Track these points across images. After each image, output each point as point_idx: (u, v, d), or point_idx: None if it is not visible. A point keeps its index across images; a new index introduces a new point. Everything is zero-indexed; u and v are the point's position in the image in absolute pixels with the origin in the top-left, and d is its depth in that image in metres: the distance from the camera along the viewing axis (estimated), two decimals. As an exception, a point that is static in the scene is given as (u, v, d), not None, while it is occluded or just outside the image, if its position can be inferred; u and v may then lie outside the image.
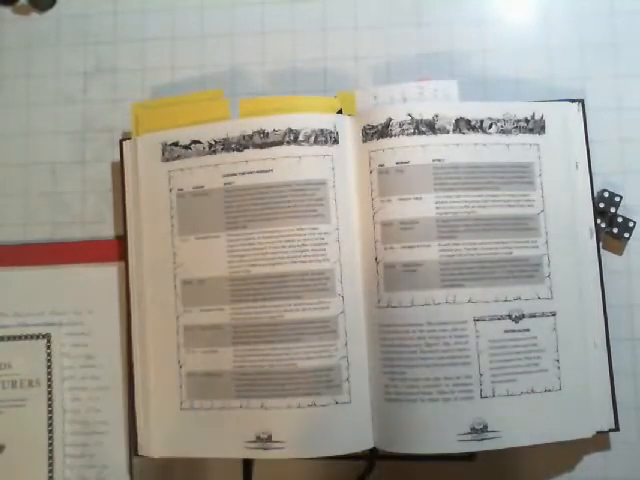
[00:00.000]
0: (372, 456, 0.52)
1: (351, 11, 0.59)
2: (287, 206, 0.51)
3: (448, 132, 0.51)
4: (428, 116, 0.51)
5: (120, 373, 0.56)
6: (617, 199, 0.54)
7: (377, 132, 0.51)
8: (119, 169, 0.56)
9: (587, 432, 0.50)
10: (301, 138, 0.52)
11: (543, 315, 0.50)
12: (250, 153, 0.52)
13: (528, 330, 0.50)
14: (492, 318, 0.50)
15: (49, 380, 0.55)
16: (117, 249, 0.57)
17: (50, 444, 0.54)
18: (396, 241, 0.50)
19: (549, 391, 0.49)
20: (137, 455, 0.53)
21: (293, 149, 0.52)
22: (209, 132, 0.53)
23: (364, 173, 0.52)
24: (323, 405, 0.50)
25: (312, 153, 0.52)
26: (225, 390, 0.51)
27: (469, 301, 0.49)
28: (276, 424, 0.50)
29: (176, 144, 0.54)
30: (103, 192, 0.59)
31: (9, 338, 0.56)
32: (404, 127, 0.51)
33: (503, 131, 0.51)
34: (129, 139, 0.55)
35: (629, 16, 0.57)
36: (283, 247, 0.51)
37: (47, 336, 0.56)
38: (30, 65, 0.61)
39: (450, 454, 0.49)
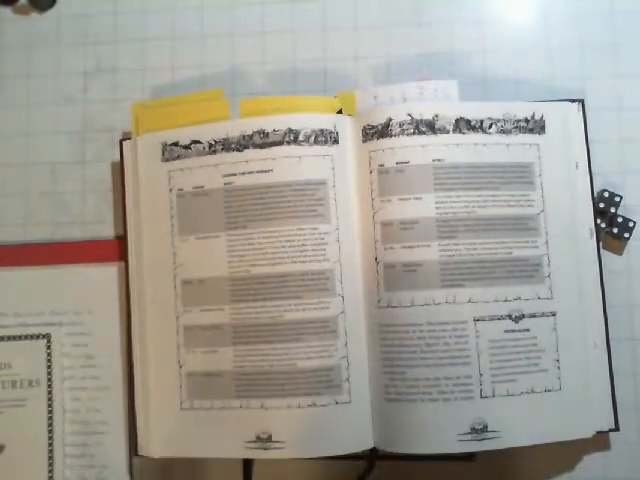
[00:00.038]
0: (372, 456, 0.52)
1: (351, 11, 0.59)
2: (287, 206, 0.51)
3: (448, 132, 0.51)
4: (428, 116, 0.51)
5: (120, 373, 0.56)
6: (617, 199, 0.54)
7: (377, 132, 0.51)
8: (119, 169, 0.56)
9: (587, 432, 0.50)
10: (301, 138, 0.52)
11: (543, 315, 0.50)
12: (250, 153, 0.52)
13: (528, 330, 0.50)
14: (492, 318, 0.50)
15: (49, 380, 0.55)
16: (117, 249, 0.57)
17: (50, 444, 0.54)
18: (396, 241, 0.50)
19: (549, 391, 0.49)
20: (137, 455, 0.53)
21: (293, 149, 0.52)
22: (209, 132, 0.53)
23: (364, 173, 0.52)
24: (323, 405, 0.50)
25: (312, 153, 0.52)
26: (225, 390, 0.51)
27: (469, 301, 0.49)
28: (276, 424, 0.50)
29: (176, 144, 0.54)
30: (103, 192, 0.59)
31: (9, 338, 0.56)
32: (404, 127, 0.51)
33: (503, 131, 0.51)
34: (129, 139, 0.55)
35: (629, 16, 0.57)
36: (283, 247, 0.51)
37: (47, 336, 0.56)
38: (30, 65, 0.61)
39: (450, 454, 0.49)
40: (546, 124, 0.52)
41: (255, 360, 0.51)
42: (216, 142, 0.53)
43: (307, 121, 0.52)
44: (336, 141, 0.52)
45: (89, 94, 0.61)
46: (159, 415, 0.52)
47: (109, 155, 0.59)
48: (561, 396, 0.50)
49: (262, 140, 0.52)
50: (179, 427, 0.52)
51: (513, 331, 0.50)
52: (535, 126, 0.52)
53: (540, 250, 0.51)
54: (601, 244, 0.53)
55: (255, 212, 0.51)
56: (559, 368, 0.50)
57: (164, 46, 0.60)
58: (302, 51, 0.59)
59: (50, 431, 0.54)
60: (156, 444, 0.52)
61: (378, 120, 0.51)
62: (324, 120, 0.52)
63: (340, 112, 0.53)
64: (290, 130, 0.52)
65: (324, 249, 0.51)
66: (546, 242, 0.51)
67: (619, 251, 0.55)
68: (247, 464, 0.54)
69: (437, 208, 0.50)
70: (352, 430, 0.50)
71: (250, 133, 0.52)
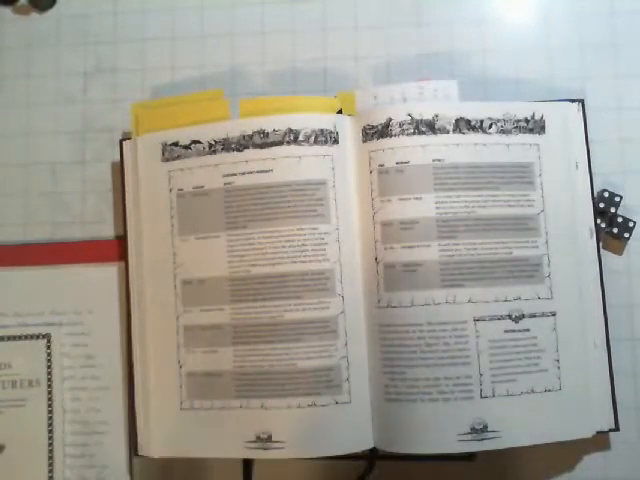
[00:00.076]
0: (372, 456, 0.52)
1: (351, 11, 0.59)
2: (287, 206, 0.51)
3: (448, 132, 0.51)
4: (428, 116, 0.51)
5: (120, 373, 0.56)
6: (617, 199, 0.54)
7: (377, 132, 0.51)
8: (119, 169, 0.56)
9: (587, 432, 0.50)
10: (301, 138, 0.52)
11: (543, 315, 0.50)
12: (250, 153, 0.52)
13: (528, 330, 0.50)
14: (492, 318, 0.50)
15: (49, 380, 0.55)
16: (117, 249, 0.57)
17: (50, 444, 0.54)
18: (396, 241, 0.50)
19: (549, 391, 0.49)
20: (137, 455, 0.53)
21: (293, 149, 0.52)
22: (209, 132, 0.53)
23: (364, 173, 0.52)
24: (323, 405, 0.50)
25: (312, 153, 0.52)
26: (225, 390, 0.51)
27: (469, 301, 0.49)
28: (276, 424, 0.50)
29: (176, 144, 0.54)
30: (103, 192, 0.59)
31: (9, 338, 0.56)
32: (404, 127, 0.51)
33: (503, 131, 0.51)
34: (129, 139, 0.55)
35: (629, 16, 0.57)
36: (283, 247, 0.51)
37: (47, 336, 0.56)
38: (30, 65, 0.61)
39: (450, 454, 0.49)
40: (546, 124, 0.52)
41: (255, 360, 0.51)
42: (216, 142, 0.53)
43: (307, 121, 0.52)
44: (336, 141, 0.52)
45: (89, 94, 0.61)
46: (159, 415, 0.52)
47: (109, 155, 0.59)
48: (561, 396, 0.50)
49: (262, 140, 0.52)
50: (179, 427, 0.52)
51: (513, 331, 0.50)
52: (535, 126, 0.52)
53: (540, 250, 0.51)
54: (601, 244, 0.53)
55: (255, 212, 0.51)
56: (559, 368, 0.50)
57: (164, 46, 0.60)
58: (302, 51, 0.59)
59: (50, 431, 0.54)
60: (156, 444, 0.52)
61: (378, 120, 0.51)
62: (324, 120, 0.52)
63: (340, 112, 0.53)
64: (290, 130, 0.52)
65: (324, 249, 0.51)
66: (546, 242, 0.51)
67: (619, 251, 0.55)
68: (247, 464, 0.54)
69: (437, 208, 0.50)
70: (352, 430, 0.50)
71: (250, 133, 0.52)
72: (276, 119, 0.52)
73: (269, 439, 0.50)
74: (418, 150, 0.51)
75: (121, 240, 0.56)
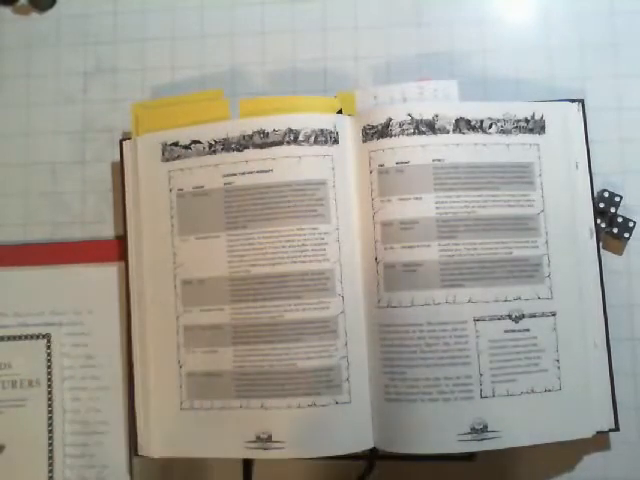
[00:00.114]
0: (372, 456, 0.52)
1: (351, 11, 0.59)
2: (287, 206, 0.51)
3: (448, 132, 0.51)
4: (428, 116, 0.51)
5: (120, 373, 0.56)
6: (617, 199, 0.54)
7: (377, 132, 0.51)
8: (119, 169, 0.56)
9: (587, 432, 0.50)
10: (301, 138, 0.52)
11: (543, 315, 0.50)
12: (250, 153, 0.52)
13: (528, 330, 0.50)
14: (492, 318, 0.50)
15: (49, 380, 0.55)
16: (117, 249, 0.57)
17: (50, 444, 0.54)
18: (396, 241, 0.50)
19: (549, 391, 0.49)
20: (137, 455, 0.53)
21: (293, 149, 0.52)
22: (209, 132, 0.53)
23: (364, 173, 0.52)
24: (323, 405, 0.50)
25: (312, 153, 0.52)
26: (225, 390, 0.51)
27: (469, 301, 0.49)
28: (276, 424, 0.50)
29: (176, 144, 0.54)
30: (103, 192, 0.59)
31: (9, 338, 0.56)
32: (404, 127, 0.51)
33: (503, 131, 0.51)
34: (129, 139, 0.55)
35: (629, 16, 0.57)
36: (283, 247, 0.51)
37: (47, 336, 0.56)
38: (30, 65, 0.61)
39: (450, 454, 0.49)
40: (546, 124, 0.52)
41: (255, 360, 0.51)
42: (216, 142, 0.53)
43: (307, 121, 0.52)
44: (336, 141, 0.52)
45: (89, 94, 0.61)
46: (159, 415, 0.52)
47: (109, 155, 0.59)
48: (561, 396, 0.50)
49: (262, 140, 0.52)
50: (179, 427, 0.52)
51: (513, 331, 0.50)
52: (535, 126, 0.52)
53: (540, 250, 0.51)
54: (601, 244, 0.53)
55: (255, 212, 0.51)
56: (559, 368, 0.50)
57: (164, 46, 0.60)
58: (302, 51, 0.59)
59: (50, 431, 0.54)
60: (156, 444, 0.52)
61: (378, 120, 0.51)
62: (324, 120, 0.52)
63: (340, 112, 0.53)
64: (290, 130, 0.52)
65: (324, 249, 0.51)
66: (546, 242, 0.51)
67: (619, 251, 0.55)
68: (247, 464, 0.54)
69: (437, 208, 0.50)
70: (352, 430, 0.50)
71: (250, 133, 0.52)
72: (276, 119, 0.52)
73: (269, 439, 0.50)
74: (418, 150, 0.51)
75: (121, 240, 0.56)
